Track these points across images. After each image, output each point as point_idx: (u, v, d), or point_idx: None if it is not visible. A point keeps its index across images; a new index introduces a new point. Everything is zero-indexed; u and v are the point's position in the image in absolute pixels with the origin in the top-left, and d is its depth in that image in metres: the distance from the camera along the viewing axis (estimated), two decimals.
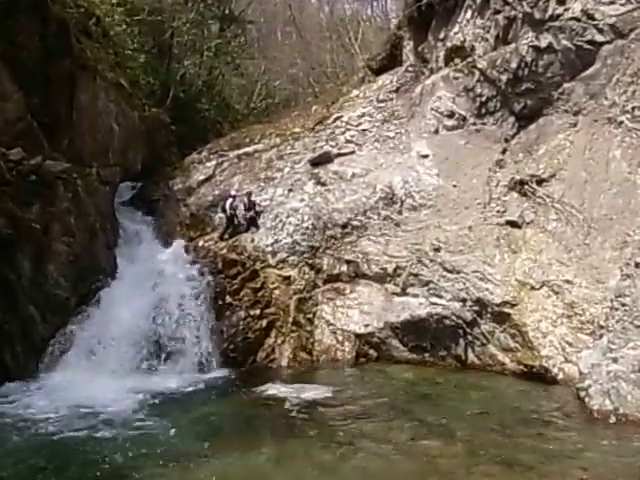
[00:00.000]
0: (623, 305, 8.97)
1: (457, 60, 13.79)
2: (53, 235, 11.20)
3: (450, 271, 11.83)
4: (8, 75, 11.24)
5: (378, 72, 16.16)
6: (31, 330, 10.68)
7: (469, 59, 13.49)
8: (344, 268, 13.00)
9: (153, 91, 19.51)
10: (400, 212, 13.10)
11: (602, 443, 7.59)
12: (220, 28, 23.70)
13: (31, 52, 11.69)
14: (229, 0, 23.65)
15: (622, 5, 11.40)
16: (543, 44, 12.17)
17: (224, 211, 13.54)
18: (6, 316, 10.24)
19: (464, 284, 11.58)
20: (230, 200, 13.54)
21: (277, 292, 12.78)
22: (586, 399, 8.60)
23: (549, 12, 12.07)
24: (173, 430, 8.12)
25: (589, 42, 11.70)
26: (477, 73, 13.29)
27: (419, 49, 15.06)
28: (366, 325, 12.39)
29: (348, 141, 14.53)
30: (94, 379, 10.22)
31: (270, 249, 13.13)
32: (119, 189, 14.99)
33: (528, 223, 11.75)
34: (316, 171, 14.18)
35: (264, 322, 12.41)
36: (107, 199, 13.72)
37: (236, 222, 13.45)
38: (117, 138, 14.54)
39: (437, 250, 12.11)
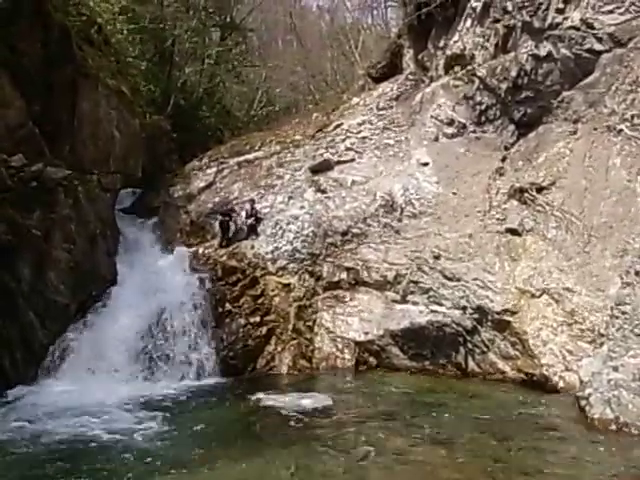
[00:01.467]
0: (623, 313, 8.96)
1: (457, 68, 13.86)
2: (53, 242, 11.20)
3: (450, 279, 11.83)
4: (10, 82, 11.28)
5: (378, 80, 16.23)
6: (31, 336, 10.66)
7: (469, 67, 13.55)
8: (344, 275, 12.99)
9: (154, 98, 19.57)
10: (400, 220, 13.12)
11: (603, 452, 7.55)
12: (221, 36, 23.85)
13: (33, 59, 11.74)
14: (230, 8, 23.81)
15: (621, 14, 11.47)
16: (542, 53, 12.24)
17: (222, 215, 13.57)
18: (6, 322, 10.22)
19: (464, 292, 11.57)
20: (227, 207, 13.57)
21: (277, 299, 12.77)
22: (587, 408, 8.56)
23: (548, 21, 12.15)
24: (172, 438, 8.09)
25: (588, 51, 11.76)
26: (477, 81, 13.35)
27: (419, 57, 15.13)
28: (366, 333, 12.37)
29: (348, 149, 14.57)
30: (93, 386, 10.20)
31: (270, 256, 13.13)
32: (120, 196, 15.00)
33: (528, 231, 11.76)
34: (316, 178, 14.21)
35: (264, 329, 12.39)
36: (108, 206, 13.73)
37: (232, 230, 13.46)
38: (118, 145, 14.57)
39: (437, 258, 12.11)
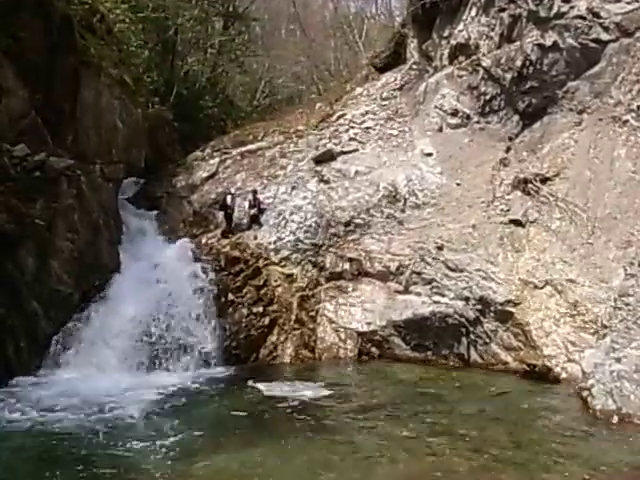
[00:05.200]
0: (627, 305, 8.96)
1: (461, 58, 13.77)
2: (57, 231, 11.21)
3: (453, 269, 11.82)
4: (12, 72, 11.25)
5: (382, 70, 16.15)
6: (34, 326, 10.70)
7: (473, 57, 13.46)
8: (347, 266, 12.99)
9: (157, 88, 19.52)
10: (403, 210, 13.10)
11: (605, 442, 7.58)
12: (224, 25, 23.71)
13: (35, 49, 11.70)
14: None
15: (628, 3, 11.38)
16: (548, 42, 12.15)
17: (223, 208, 13.56)
18: (9, 312, 10.25)
19: (467, 283, 11.57)
20: (229, 198, 13.56)
21: (280, 290, 12.78)
22: (589, 399, 8.58)
23: (554, 10, 12.05)
24: (174, 427, 8.12)
25: (594, 40, 11.67)
26: (481, 71, 13.26)
27: (423, 47, 15.03)
28: (368, 323, 12.39)
29: (351, 139, 14.52)
30: (97, 375, 10.26)
31: (273, 247, 13.14)
32: (122, 186, 14.99)
33: (532, 222, 11.74)
34: (319, 169, 14.17)
35: (267, 320, 12.41)
36: (111, 196, 13.73)
37: (235, 220, 13.45)
38: (121, 135, 14.55)
39: (440, 248, 12.10)
